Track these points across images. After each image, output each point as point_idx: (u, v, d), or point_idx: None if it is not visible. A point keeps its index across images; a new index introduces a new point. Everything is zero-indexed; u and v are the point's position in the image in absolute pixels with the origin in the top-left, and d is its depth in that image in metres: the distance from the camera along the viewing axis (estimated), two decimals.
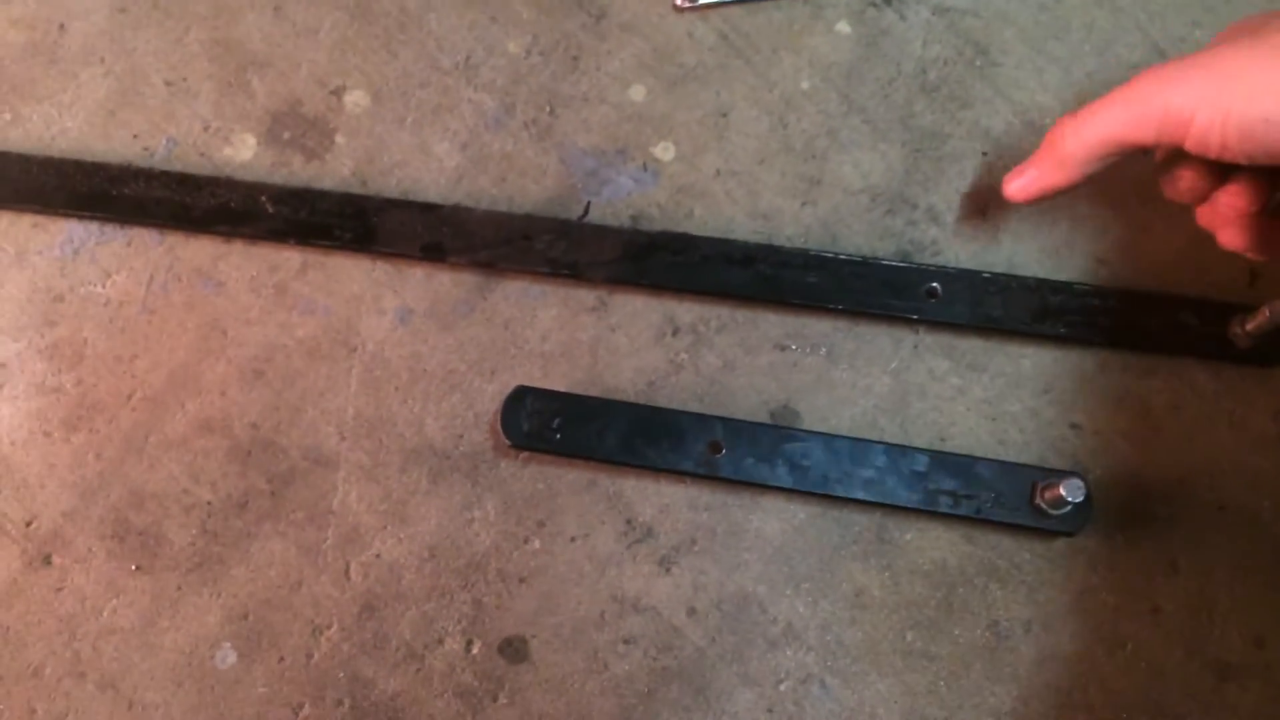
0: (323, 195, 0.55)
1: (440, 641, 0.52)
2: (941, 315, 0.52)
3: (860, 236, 0.55)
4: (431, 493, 0.53)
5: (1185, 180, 0.44)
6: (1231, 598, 0.50)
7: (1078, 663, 0.50)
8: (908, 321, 0.53)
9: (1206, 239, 0.46)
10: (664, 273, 0.53)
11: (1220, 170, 0.43)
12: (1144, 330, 0.51)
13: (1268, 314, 0.47)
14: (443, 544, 0.53)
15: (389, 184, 0.56)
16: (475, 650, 0.52)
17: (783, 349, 0.54)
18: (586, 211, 0.55)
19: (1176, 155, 0.43)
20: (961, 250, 0.54)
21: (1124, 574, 0.50)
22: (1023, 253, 0.54)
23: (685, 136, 0.57)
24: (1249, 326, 0.49)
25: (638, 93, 0.57)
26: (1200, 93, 0.39)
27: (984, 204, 0.54)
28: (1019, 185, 0.46)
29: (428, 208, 0.54)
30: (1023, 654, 0.50)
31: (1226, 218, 0.44)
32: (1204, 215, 0.45)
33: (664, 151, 0.57)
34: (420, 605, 0.52)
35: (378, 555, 0.53)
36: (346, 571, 0.53)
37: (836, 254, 0.53)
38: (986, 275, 0.51)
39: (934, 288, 0.51)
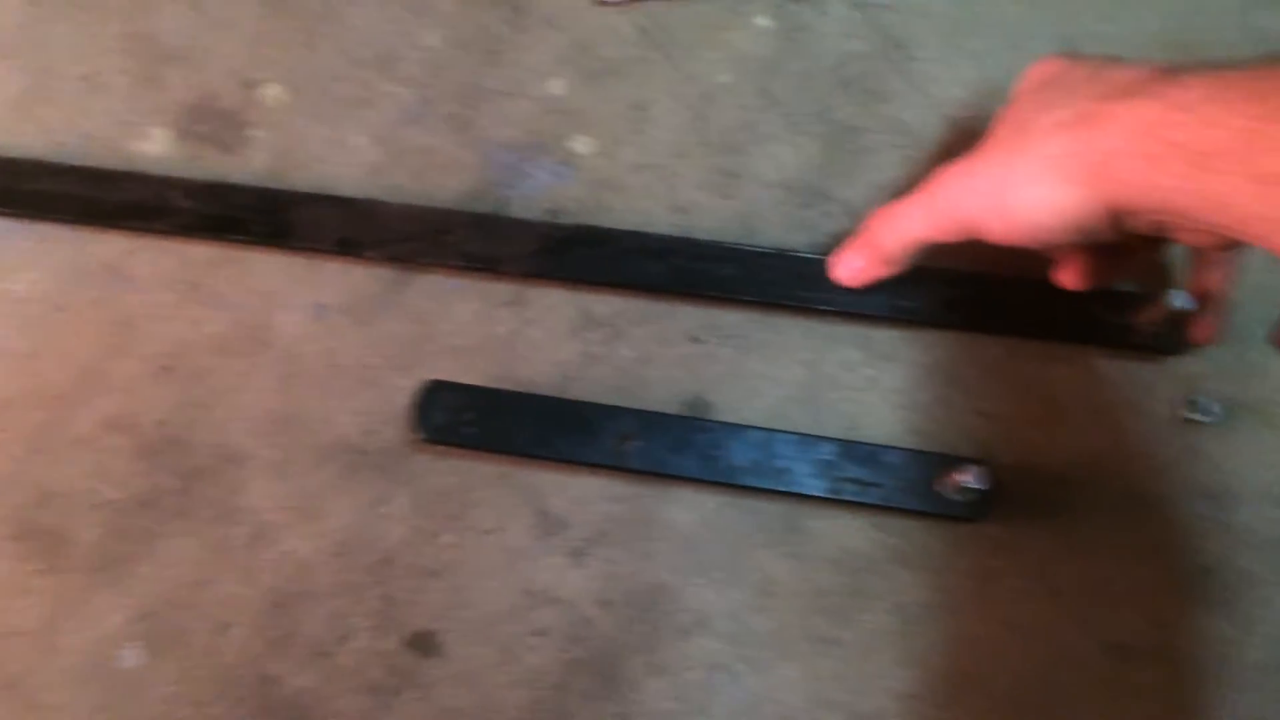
0: (236, 189, 0.65)
1: (350, 637, 0.62)
2: (855, 306, 0.63)
3: (777, 229, 0.66)
4: (343, 489, 0.63)
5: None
6: (1130, 579, 0.60)
7: (980, 645, 0.60)
8: (820, 313, 0.64)
9: None
10: (581, 266, 0.64)
11: None
12: (1048, 320, 0.62)
13: (1163, 305, 0.58)
14: (354, 540, 0.62)
15: (305, 178, 0.67)
16: (385, 645, 0.61)
17: (697, 341, 0.64)
18: (503, 206, 0.65)
19: None
20: None
21: (1026, 558, 0.61)
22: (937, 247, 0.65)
23: (604, 130, 0.67)
24: (1148, 317, 0.60)
25: (557, 86, 0.68)
26: (985, 204, 0.50)
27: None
28: (848, 274, 0.60)
29: (342, 202, 0.65)
30: (927, 638, 0.60)
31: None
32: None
33: (583, 145, 0.67)
34: (330, 601, 0.62)
35: (287, 552, 0.63)
36: (255, 569, 0.62)
37: (751, 246, 0.64)
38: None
39: None
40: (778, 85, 0.66)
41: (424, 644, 0.61)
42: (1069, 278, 0.57)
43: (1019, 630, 0.59)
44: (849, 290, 0.61)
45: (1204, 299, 0.58)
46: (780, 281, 0.62)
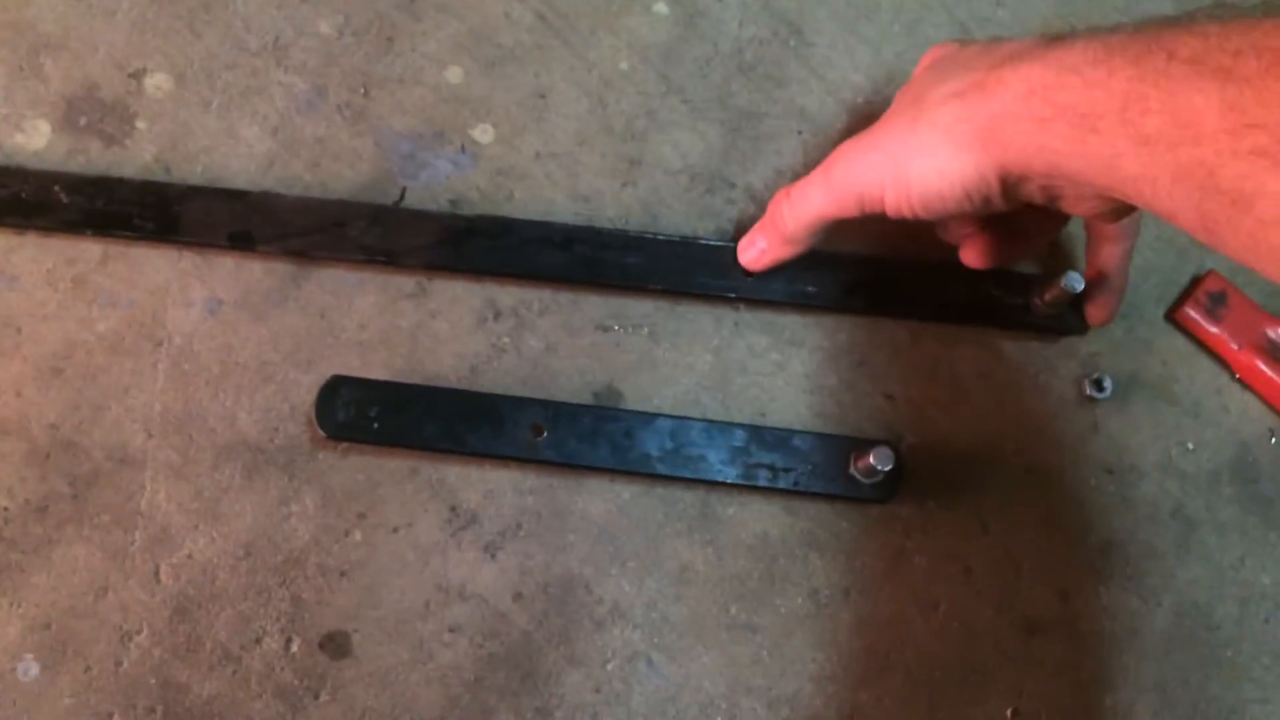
0: (121, 183, 0.67)
1: (258, 641, 0.64)
2: (759, 293, 0.67)
3: (680, 216, 0.70)
4: (246, 488, 0.65)
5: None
6: (1038, 555, 0.66)
7: (894, 625, 0.65)
8: (728, 300, 0.68)
9: None
10: (482, 257, 0.67)
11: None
12: (951, 302, 0.67)
13: (1061, 286, 0.64)
14: (259, 541, 0.65)
15: (194, 170, 0.69)
16: (295, 648, 0.64)
17: (605, 330, 0.68)
18: (402, 197, 0.68)
19: None
20: None
21: (936, 537, 0.66)
22: (839, 228, 0.69)
23: (504, 118, 0.71)
24: (1046, 297, 0.65)
25: (455, 74, 0.71)
26: (883, 177, 0.53)
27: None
28: (751, 257, 0.64)
29: (235, 195, 0.67)
30: (842, 620, 0.65)
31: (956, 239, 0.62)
32: (936, 230, 0.63)
33: (482, 134, 0.70)
34: (236, 605, 0.64)
35: (189, 556, 0.65)
36: (156, 574, 0.64)
37: (656, 234, 0.67)
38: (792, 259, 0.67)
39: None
40: (678, 71, 0.70)
41: (335, 645, 0.63)
42: (971, 255, 0.62)
43: (931, 608, 0.64)
44: (753, 277, 0.65)
45: (1099, 280, 0.64)
46: (686, 269, 0.66)
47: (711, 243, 0.66)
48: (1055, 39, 0.49)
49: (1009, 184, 0.51)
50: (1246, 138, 0.39)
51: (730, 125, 0.69)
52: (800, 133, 0.69)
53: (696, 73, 0.70)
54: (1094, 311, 0.64)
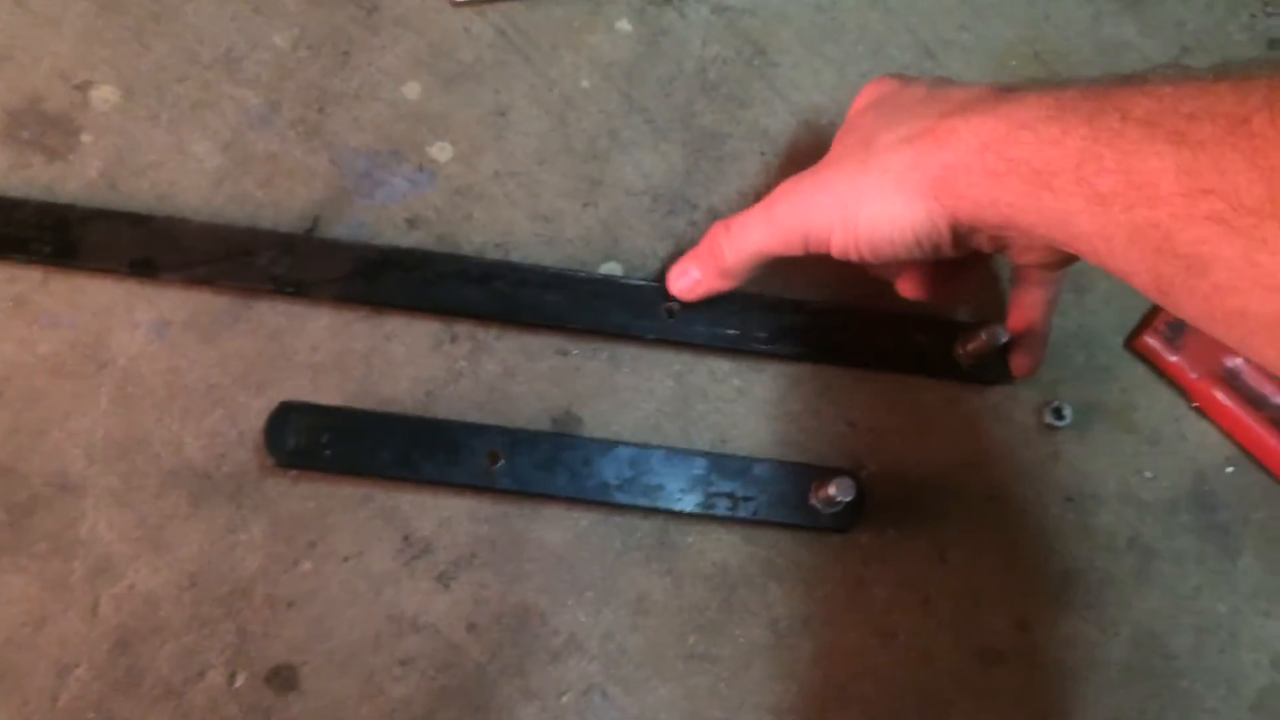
0: (18, 204, 0.62)
1: (201, 675, 0.62)
2: (679, 335, 0.65)
3: (642, 238, 0.68)
4: (192, 516, 0.63)
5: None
6: (997, 584, 0.65)
7: (853, 656, 0.64)
8: None
9: None
10: (396, 291, 0.64)
11: None
12: (877, 349, 0.65)
13: (984, 336, 0.63)
14: (204, 571, 0.63)
15: (141, 187, 0.66)
16: (240, 682, 0.62)
17: (564, 354, 0.66)
18: (314, 226, 0.66)
19: None
20: None
21: (896, 566, 0.65)
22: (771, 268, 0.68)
23: (463, 136, 0.69)
24: (970, 347, 0.64)
25: (412, 90, 0.69)
26: (830, 219, 0.53)
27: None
28: (684, 286, 0.62)
29: (138, 219, 0.63)
30: (801, 650, 0.64)
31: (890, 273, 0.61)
32: (871, 269, 0.62)
33: (440, 152, 0.69)
34: (180, 637, 0.62)
35: (131, 586, 0.62)
36: (96, 606, 0.62)
37: (575, 271, 0.65)
38: (725, 294, 0.65)
39: (673, 306, 0.64)
40: (640, 90, 0.69)
41: (282, 679, 0.61)
42: (908, 288, 0.61)
43: (890, 639, 0.63)
44: (674, 318, 0.64)
45: (1025, 330, 0.63)
46: (606, 309, 0.64)
47: (631, 282, 0.64)
48: (1004, 90, 0.49)
49: (960, 233, 0.51)
50: (1202, 203, 0.38)
51: (693, 146, 0.68)
52: (763, 154, 0.68)
53: (659, 92, 0.69)
54: (1019, 361, 0.64)
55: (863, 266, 0.58)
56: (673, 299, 0.64)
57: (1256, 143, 0.37)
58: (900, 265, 0.60)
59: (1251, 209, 0.37)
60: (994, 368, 0.64)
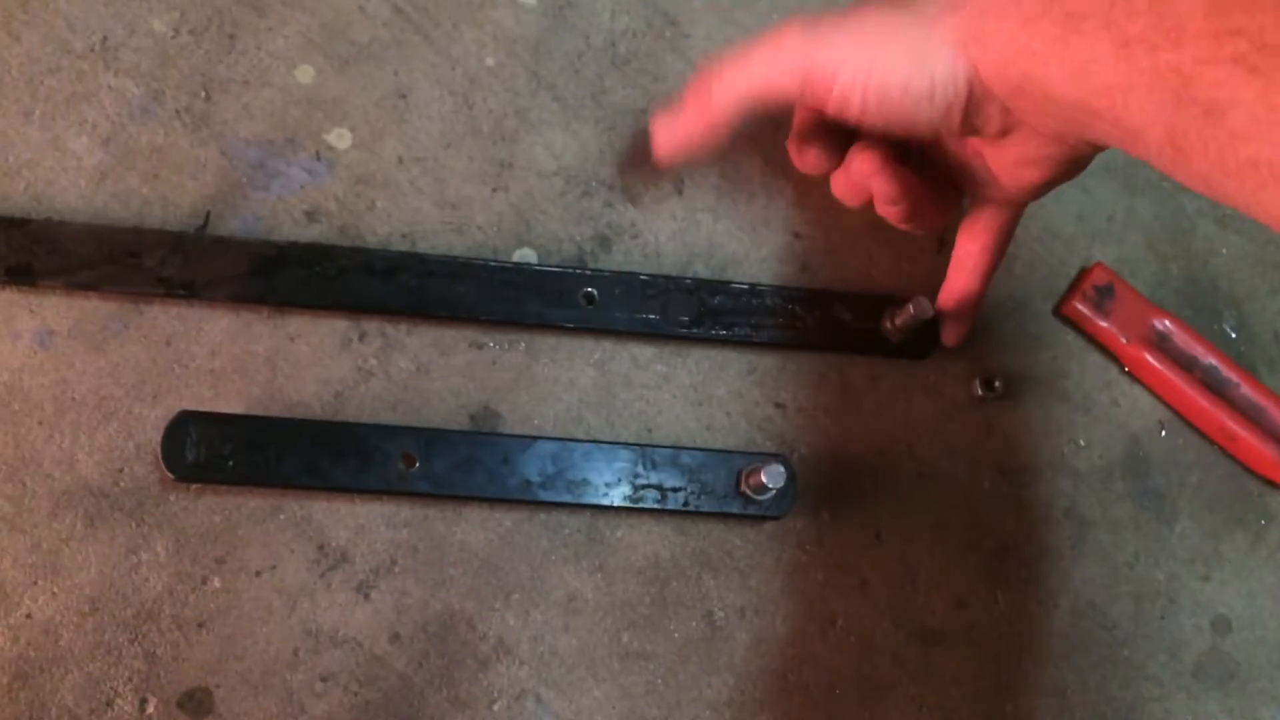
0: None
1: (109, 704, 0.58)
2: (599, 322, 0.62)
3: (556, 222, 0.65)
4: (89, 537, 0.59)
5: (813, 153, 0.58)
6: (933, 563, 0.63)
7: (791, 643, 0.62)
8: None
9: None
10: (297, 289, 0.60)
11: (847, 144, 0.56)
12: (802, 327, 0.63)
13: (912, 310, 0.61)
14: (106, 594, 0.59)
15: (16, 188, 0.62)
16: (151, 709, 0.58)
17: (480, 347, 0.63)
18: (206, 223, 0.62)
19: (808, 129, 0.57)
20: (661, 231, 0.65)
21: (832, 550, 0.63)
22: (721, 230, 0.66)
23: (362, 121, 0.65)
24: (897, 321, 0.63)
25: (305, 74, 0.65)
26: (844, 53, 0.49)
27: (680, 182, 0.66)
28: (667, 138, 0.57)
29: (12, 223, 0.58)
30: (738, 641, 0.62)
31: (859, 187, 0.57)
32: (838, 185, 0.59)
33: (339, 139, 0.65)
34: (83, 666, 0.58)
35: (28, 615, 0.58)
36: None
37: (486, 260, 0.62)
38: (644, 278, 0.62)
39: (591, 293, 0.62)
40: (548, 67, 0.66)
41: (196, 703, 0.58)
42: (884, 183, 0.56)
43: (829, 624, 0.62)
44: (594, 307, 0.62)
45: (960, 297, 0.61)
46: (521, 298, 0.61)
47: (546, 269, 0.62)
48: None
49: (975, 96, 0.48)
50: (1227, 44, 0.38)
51: (606, 123, 0.65)
52: None
53: (568, 68, 0.65)
54: (950, 330, 0.62)
55: (832, 178, 0.56)
56: (601, 283, 0.62)
57: None
58: (888, 138, 0.55)
59: (1275, 47, 0.37)
60: (922, 342, 0.62)
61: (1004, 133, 0.50)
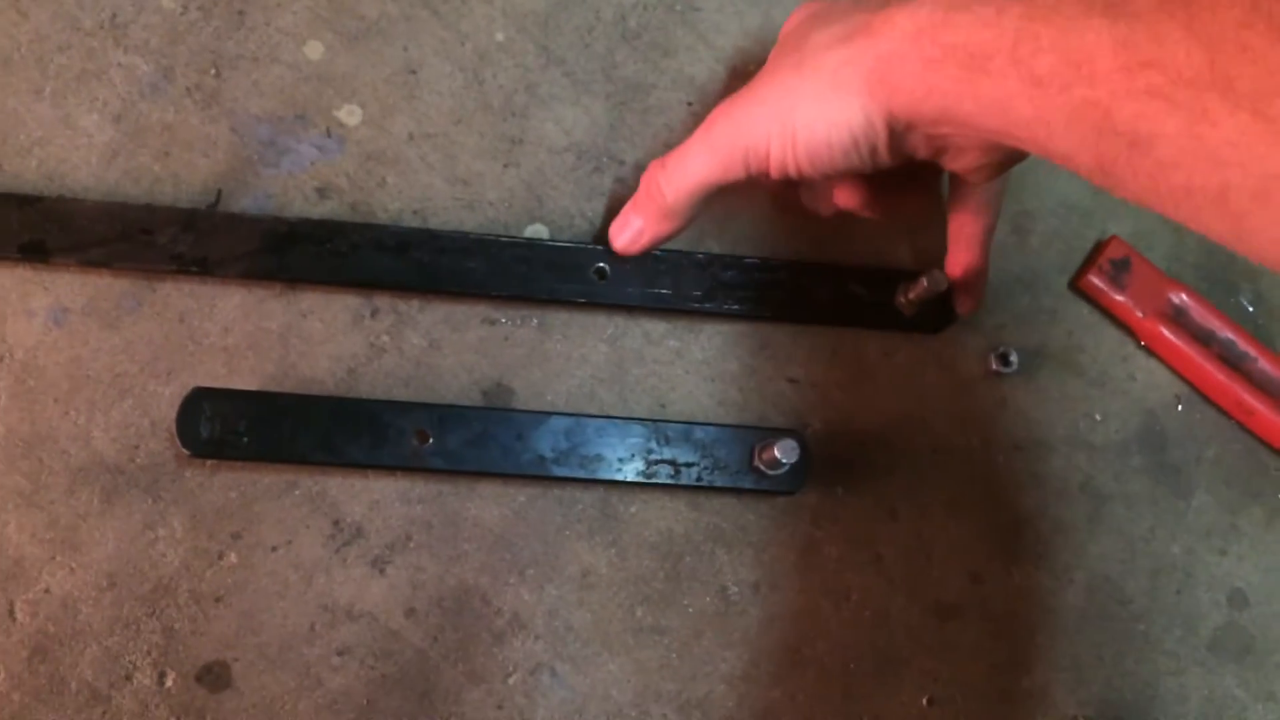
0: None
1: (128, 678, 0.59)
2: (611, 297, 0.62)
3: (567, 198, 0.65)
4: (106, 513, 0.60)
5: (810, 199, 0.61)
6: (947, 538, 0.63)
7: (805, 618, 0.62)
8: None
9: None
10: (309, 266, 0.60)
11: None
12: (815, 302, 0.63)
13: (925, 283, 0.61)
14: (123, 570, 0.59)
15: (28, 165, 0.62)
16: (170, 682, 0.59)
17: (492, 323, 0.63)
18: (218, 200, 0.62)
19: (784, 187, 0.60)
20: None
21: (846, 525, 0.63)
22: (732, 206, 0.66)
23: (372, 98, 0.65)
24: (911, 295, 0.62)
25: (315, 50, 0.65)
26: (768, 128, 0.51)
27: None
28: (627, 239, 0.59)
29: (25, 200, 0.59)
30: (752, 616, 0.62)
31: (825, 197, 0.60)
32: (805, 198, 0.61)
33: (349, 115, 0.65)
34: (102, 640, 0.59)
35: (47, 590, 0.59)
36: (11, 612, 0.59)
37: (498, 236, 0.62)
38: (658, 253, 0.62)
39: (602, 268, 0.62)
40: (558, 42, 0.65)
41: (214, 677, 0.58)
42: (847, 196, 0.59)
43: (843, 599, 0.62)
44: (605, 281, 0.61)
45: (965, 268, 0.61)
46: (532, 274, 0.61)
47: (558, 244, 0.62)
48: None
49: (896, 132, 0.49)
50: (1140, 77, 0.37)
51: (616, 98, 0.65)
52: (690, 104, 0.65)
53: (578, 43, 0.65)
54: (963, 300, 0.62)
55: (799, 197, 0.57)
56: (613, 258, 0.61)
57: (1193, 10, 0.36)
58: (839, 181, 0.58)
59: (1190, 80, 0.36)
60: (937, 315, 0.62)
61: (939, 152, 0.49)
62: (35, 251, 0.59)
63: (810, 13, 0.55)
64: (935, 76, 0.44)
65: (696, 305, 0.62)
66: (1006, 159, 0.50)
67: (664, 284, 0.61)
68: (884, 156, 0.50)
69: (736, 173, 0.54)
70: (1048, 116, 0.41)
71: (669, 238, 0.59)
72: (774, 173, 0.53)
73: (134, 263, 0.59)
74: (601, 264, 0.61)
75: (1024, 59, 0.40)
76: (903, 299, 0.62)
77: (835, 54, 0.48)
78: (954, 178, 0.57)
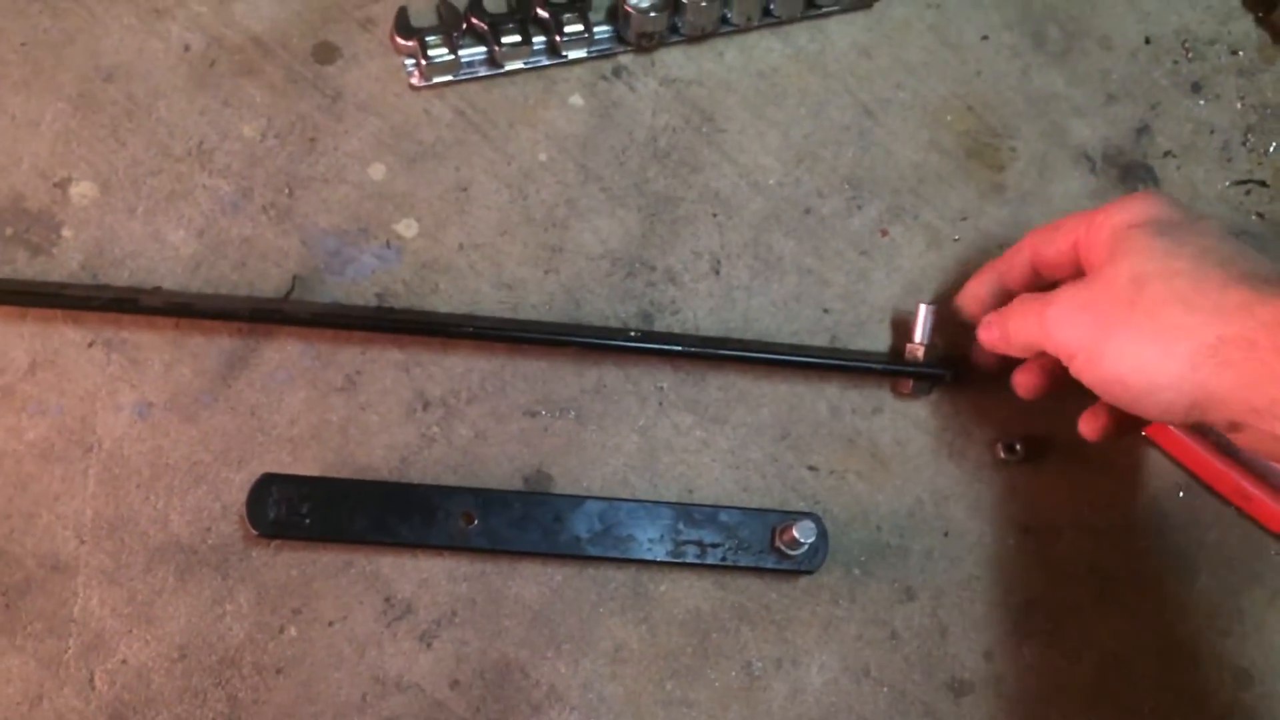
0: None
1: None
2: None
3: (603, 300, 0.72)
4: (179, 590, 0.66)
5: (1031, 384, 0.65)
6: (962, 617, 0.68)
7: (826, 693, 0.66)
8: (652, 379, 0.70)
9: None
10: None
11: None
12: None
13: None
14: (193, 642, 0.65)
15: (121, 275, 0.70)
16: None
17: (533, 415, 0.70)
18: (293, 288, 0.70)
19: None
20: (700, 307, 0.72)
21: (863, 604, 0.68)
22: (755, 307, 0.72)
23: (427, 212, 0.73)
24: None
25: (377, 171, 0.73)
26: (1082, 339, 0.53)
27: (716, 263, 0.72)
28: (995, 336, 0.62)
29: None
30: (775, 690, 0.66)
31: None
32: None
33: (406, 228, 0.72)
34: (172, 708, 0.64)
35: (124, 661, 0.65)
36: (91, 681, 0.64)
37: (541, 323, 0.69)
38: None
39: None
40: (595, 160, 0.73)
41: None
42: (1091, 428, 0.63)
43: (862, 675, 0.66)
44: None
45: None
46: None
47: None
48: None
49: (1200, 406, 0.49)
50: None
51: (648, 210, 0.72)
52: (715, 215, 0.72)
53: (613, 161, 0.72)
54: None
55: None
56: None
57: None
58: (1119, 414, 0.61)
59: None
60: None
61: (1238, 428, 0.49)
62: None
63: (1154, 217, 0.54)
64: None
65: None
66: None
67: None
68: (1177, 417, 0.51)
69: (1060, 355, 0.56)
70: None
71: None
72: (1071, 373, 0.55)
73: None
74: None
75: None
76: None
77: (1172, 315, 0.49)
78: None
